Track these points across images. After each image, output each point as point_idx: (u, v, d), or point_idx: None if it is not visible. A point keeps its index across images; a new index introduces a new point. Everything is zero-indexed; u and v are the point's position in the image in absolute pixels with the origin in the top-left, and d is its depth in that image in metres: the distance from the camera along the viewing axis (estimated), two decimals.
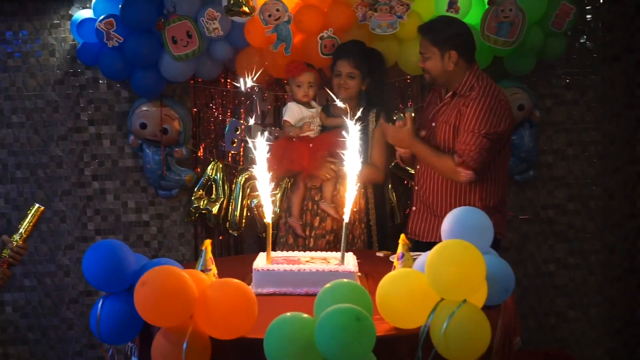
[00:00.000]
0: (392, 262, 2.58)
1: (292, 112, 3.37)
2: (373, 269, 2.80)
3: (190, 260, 4.03)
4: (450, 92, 3.18)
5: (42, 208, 2.79)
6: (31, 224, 2.77)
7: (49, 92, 3.94)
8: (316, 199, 3.43)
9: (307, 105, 3.40)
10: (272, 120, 3.93)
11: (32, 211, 2.77)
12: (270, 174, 2.71)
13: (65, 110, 3.96)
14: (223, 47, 3.63)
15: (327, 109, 3.50)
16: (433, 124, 3.21)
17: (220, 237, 3.98)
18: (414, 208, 3.35)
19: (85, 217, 4.01)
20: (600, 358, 4.13)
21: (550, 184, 4.06)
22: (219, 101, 3.93)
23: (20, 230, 2.75)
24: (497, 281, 2.17)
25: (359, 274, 2.61)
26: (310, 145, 3.36)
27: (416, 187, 3.32)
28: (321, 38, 3.46)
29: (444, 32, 3.11)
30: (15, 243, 2.71)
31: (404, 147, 3.22)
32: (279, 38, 3.47)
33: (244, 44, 3.62)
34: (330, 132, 3.35)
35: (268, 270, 2.50)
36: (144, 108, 3.82)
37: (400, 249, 2.46)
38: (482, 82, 3.12)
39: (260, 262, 2.58)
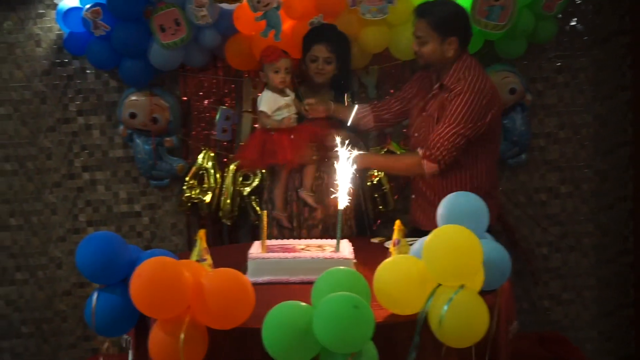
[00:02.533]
0: (388, 249, 2.57)
1: (268, 102, 3.31)
2: (368, 255, 2.80)
3: (184, 250, 4.00)
4: (438, 84, 3.14)
5: None
6: None
7: (36, 83, 3.89)
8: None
9: (282, 92, 3.36)
10: None
11: None
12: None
13: (53, 101, 3.90)
14: (212, 35, 3.58)
15: (298, 94, 3.47)
16: (424, 114, 3.19)
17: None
18: (412, 196, 3.35)
19: (76, 208, 3.97)
20: (594, 340, 4.15)
21: (542, 167, 4.06)
22: (209, 89, 3.89)
23: None
24: (493, 266, 2.17)
25: (355, 260, 2.60)
26: (292, 136, 3.31)
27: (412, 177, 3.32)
28: (311, 24, 3.43)
29: (446, 15, 3.04)
30: None
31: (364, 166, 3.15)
32: (268, 25, 3.43)
33: (232, 31, 3.58)
34: (311, 122, 3.34)
35: (263, 258, 2.49)
36: (133, 97, 3.78)
37: (395, 235, 2.45)
38: (470, 74, 3.06)
39: (256, 250, 2.57)
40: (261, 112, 3.32)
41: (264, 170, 3.70)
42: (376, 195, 3.86)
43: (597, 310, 4.14)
